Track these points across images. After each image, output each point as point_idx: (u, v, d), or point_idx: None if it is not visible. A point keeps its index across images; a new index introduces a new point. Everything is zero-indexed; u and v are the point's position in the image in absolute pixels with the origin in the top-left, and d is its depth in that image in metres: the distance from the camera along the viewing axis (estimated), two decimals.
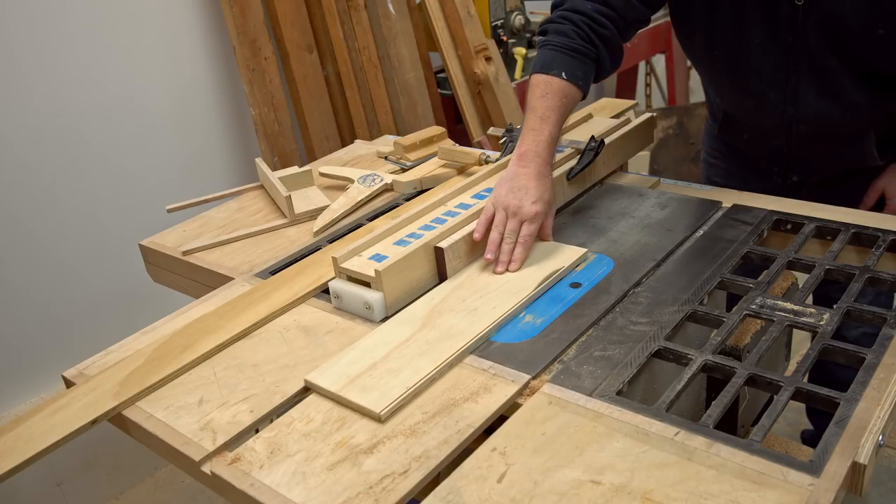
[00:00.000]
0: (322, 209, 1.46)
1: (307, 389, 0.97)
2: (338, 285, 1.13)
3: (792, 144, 1.37)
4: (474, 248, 1.20)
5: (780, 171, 1.44)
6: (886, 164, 1.37)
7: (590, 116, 1.65)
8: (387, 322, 1.07)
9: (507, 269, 1.16)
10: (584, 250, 1.20)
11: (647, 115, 1.57)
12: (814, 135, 1.34)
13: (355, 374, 0.96)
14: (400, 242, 1.18)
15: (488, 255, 1.17)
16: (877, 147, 1.34)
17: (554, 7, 1.33)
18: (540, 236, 1.22)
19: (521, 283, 1.13)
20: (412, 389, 0.93)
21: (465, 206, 1.29)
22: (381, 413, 0.89)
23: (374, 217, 1.43)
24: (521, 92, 2.44)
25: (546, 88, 1.24)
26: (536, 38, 1.33)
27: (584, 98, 1.31)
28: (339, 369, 0.98)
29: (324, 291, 1.20)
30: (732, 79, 1.36)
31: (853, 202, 1.35)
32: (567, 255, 1.19)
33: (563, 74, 1.24)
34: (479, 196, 1.32)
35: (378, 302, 1.09)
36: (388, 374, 0.96)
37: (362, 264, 1.13)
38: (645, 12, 1.31)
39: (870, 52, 1.21)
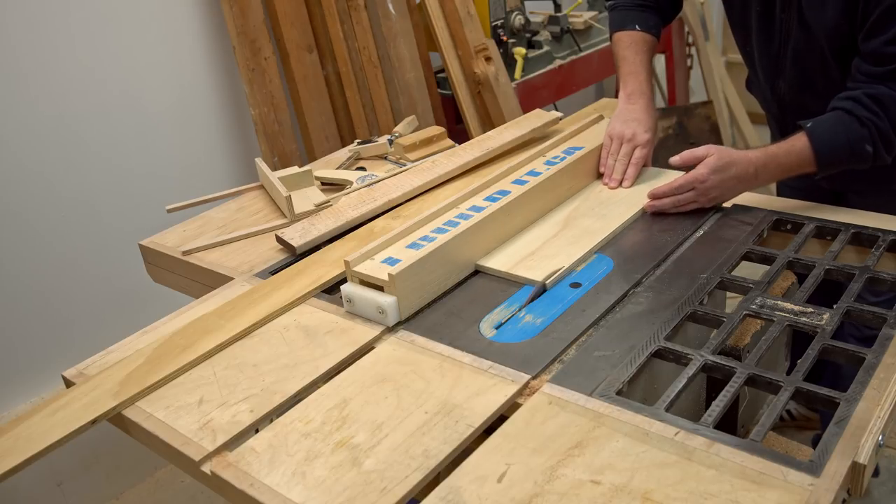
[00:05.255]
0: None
1: (307, 389, 0.97)
2: (350, 289, 1.11)
3: None
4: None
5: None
6: None
7: (601, 118, 1.65)
8: (534, 224, 1.29)
9: (619, 185, 1.40)
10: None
11: None
12: None
13: (518, 259, 1.19)
14: (413, 245, 1.17)
15: (606, 179, 1.42)
16: None
17: None
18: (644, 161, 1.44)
19: (636, 198, 1.35)
20: (570, 265, 1.16)
21: (477, 209, 1.26)
22: (545, 280, 1.13)
23: (374, 217, 1.43)
24: (521, 92, 2.44)
25: (629, 40, 1.53)
26: (607, 4, 1.64)
27: (658, 42, 1.59)
28: (503, 258, 1.20)
29: (324, 291, 1.20)
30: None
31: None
32: (667, 177, 1.39)
33: (637, 27, 1.54)
34: (491, 199, 1.30)
35: (392, 306, 1.06)
36: (545, 259, 1.18)
37: (375, 268, 1.10)
38: None
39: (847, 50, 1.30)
